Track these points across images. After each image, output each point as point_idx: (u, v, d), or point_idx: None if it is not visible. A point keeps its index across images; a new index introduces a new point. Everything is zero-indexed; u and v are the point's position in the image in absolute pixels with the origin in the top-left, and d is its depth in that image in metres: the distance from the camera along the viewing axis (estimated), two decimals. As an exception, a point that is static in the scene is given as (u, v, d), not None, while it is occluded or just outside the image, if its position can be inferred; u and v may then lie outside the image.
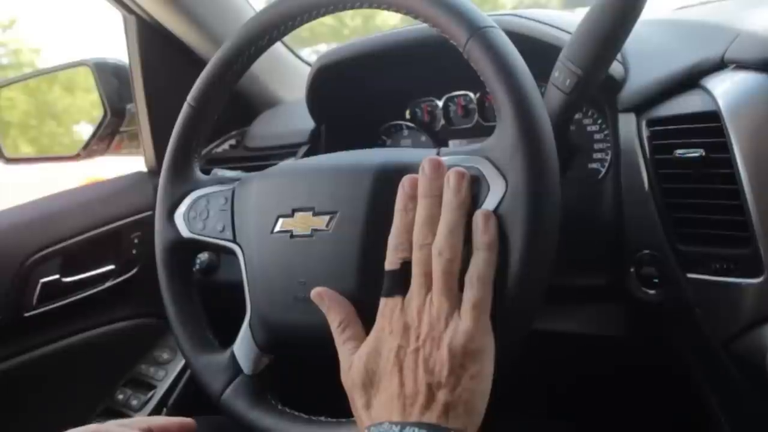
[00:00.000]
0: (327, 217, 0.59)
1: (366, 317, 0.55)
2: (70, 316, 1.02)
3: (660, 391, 0.91)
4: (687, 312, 0.65)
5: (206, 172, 0.75)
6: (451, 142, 0.91)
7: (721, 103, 0.60)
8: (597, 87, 0.61)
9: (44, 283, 0.99)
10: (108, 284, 1.06)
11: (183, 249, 0.70)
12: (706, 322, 0.64)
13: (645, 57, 0.71)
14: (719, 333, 0.63)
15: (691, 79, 0.66)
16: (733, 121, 0.59)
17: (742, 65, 0.63)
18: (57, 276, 1.00)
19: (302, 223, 0.60)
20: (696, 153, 0.62)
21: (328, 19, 0.67)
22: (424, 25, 0.57)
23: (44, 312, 0.99)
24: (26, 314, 0.97)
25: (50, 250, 0.99)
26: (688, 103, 0.65)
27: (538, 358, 0.74)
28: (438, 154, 0.58)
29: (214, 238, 0.67)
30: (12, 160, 1.17)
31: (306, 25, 0.66)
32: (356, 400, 0.51)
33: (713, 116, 0.61)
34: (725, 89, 0.62)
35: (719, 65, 0.65)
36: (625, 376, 0.94)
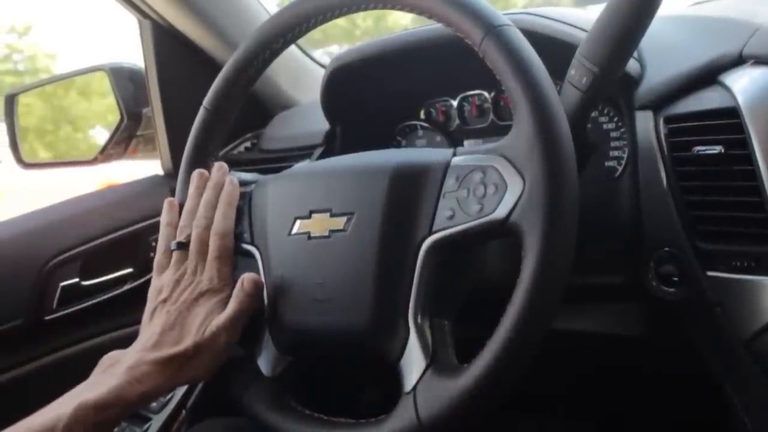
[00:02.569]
0: (344, 218, 0.59)
1: (383, 314, 0.55)
2: (89, 319, 1.03)
3: (680, 391, 0.90)
4: (707, 311, 0.64)
5: (222, 174, 0.75)
6: (466, 142, 0.90)
7: (740, 99, 0.60)
8: (613, 85, 0.61)
9: (64, 287, 1.00)
10: (127, 287, 1.07)
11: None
12: (727, 320, 0.63)
13: (661, 54, 0.71)
14: (740, 332, 0.62)
15: (708, 76, 0.65)
16: (752, 117, 0.59)
17: (761, 61, 0.62)
18: (76, 279, 1.01)
19: (319, 224, 0.60)
20: (715, 150, 0.61)
21: (340, 21, 0.67)
22: (438, 25, 0.57)
23: (64, 315, 1.00)
24: (46, 318, 0.98)
25: (69, 254, 1.00)
26: (705, 100, 0.64)
27: (556, 358, 0.74)
28: (454, 153, 0.58)
29: None
30: (30, 165, 1.18)
31: (318, 27, 0.66)
32: None
33: (732, 112, 0.60)
34: (744, 85, 0.61)
35: (737, 61, 0.64)
36: (644, 376, 0.93)
